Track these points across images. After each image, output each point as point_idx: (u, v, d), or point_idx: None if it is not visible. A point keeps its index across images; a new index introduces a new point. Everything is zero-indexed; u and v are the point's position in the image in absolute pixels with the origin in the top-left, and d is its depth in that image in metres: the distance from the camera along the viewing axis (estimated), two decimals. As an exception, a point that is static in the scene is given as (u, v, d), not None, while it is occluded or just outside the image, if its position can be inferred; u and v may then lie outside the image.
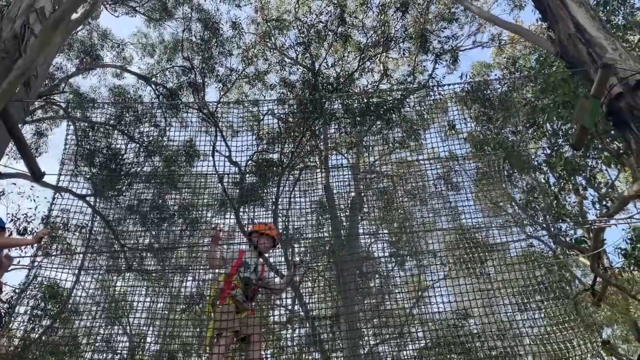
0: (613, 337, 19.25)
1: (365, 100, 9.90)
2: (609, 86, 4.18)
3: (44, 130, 13.73)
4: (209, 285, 6.75)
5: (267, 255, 6.27)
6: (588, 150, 8.25)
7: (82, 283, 8.24)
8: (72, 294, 8.65)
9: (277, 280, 6.60)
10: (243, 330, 5.31)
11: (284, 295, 9.53)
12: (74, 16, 10.89)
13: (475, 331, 7.19)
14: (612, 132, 7.06)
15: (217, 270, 6.08)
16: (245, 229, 8.02)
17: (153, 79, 14.16)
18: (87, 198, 10.15)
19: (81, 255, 8.08)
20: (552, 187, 8.94)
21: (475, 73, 16.57)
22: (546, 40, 5.40)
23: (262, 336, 5.64)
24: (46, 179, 8.29)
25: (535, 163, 9.08)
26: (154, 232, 11.75)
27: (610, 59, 4.06)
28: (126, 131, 12.27)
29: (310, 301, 10.72)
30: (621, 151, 7.46)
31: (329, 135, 10.96)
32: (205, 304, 6.25)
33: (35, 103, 12.28)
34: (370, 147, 11.54)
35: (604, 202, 9.08)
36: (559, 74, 7.05)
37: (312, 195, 9.94)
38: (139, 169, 11.19)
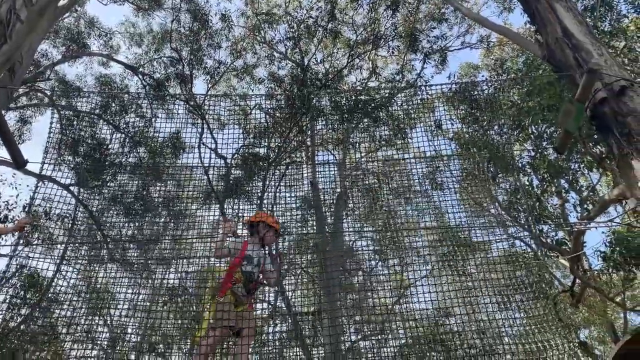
0: (590, 338, 19.59)
1: (354, 98, 9.91)
2: (594, 91, 4.25)
3: (28, 118, 13.52)
4: (208, 277, 6.75)
5: (269, 248, 6.23)
6: (571, 154, 8.35)
7: (64, 273, 8.16)
8: (53, 283, 8.56)
9: (274, 274, 6.57)
10: (238, 323, 5.29)
11: (267, 290, 9.51)
12: (61, 2, 10.74)
13: (456, 329, 7.26)
14: (595, 136, 7.16)
15: (215, 261, 6.07)
16: (242, 219, 7.98)
17: (140, 69, 14.02)
18: (71, 187, 10.04)
19: (63, 245, 8.00)
20: (535, 189, 9.05)
21: (463, 74, 16.68)
22: (534, 43, 5.47)
23: (255, 331, 5.63)
24: (29, 167, 8.20)
25: (520, 165, 9.19)
26: (137, 224, 11.67)
27: (595, 64, 4.12)
28: (112, 121, 12.14)
29: (293, 296, 10.74)
30: (603, 156, 7.57)
31: (316, 132, 10.96)
32: (204, 296, 6.20)
33: (20, 90, 12.11)
34: (357, 145, 11.57)
35: (585, 205, 9.22)
36: (545, 77, 7.13)
37: (298, 190, 9.94)
38: (123, 159, 11.08)
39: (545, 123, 8.06)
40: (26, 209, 6.93)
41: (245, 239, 5.98)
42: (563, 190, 9.56)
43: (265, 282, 5.97)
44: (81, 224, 9.21)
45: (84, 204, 9.47)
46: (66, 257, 7.51)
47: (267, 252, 6.02)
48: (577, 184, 8.70)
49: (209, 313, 5.39)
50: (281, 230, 6.64)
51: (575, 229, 8.11)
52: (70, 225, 8.44)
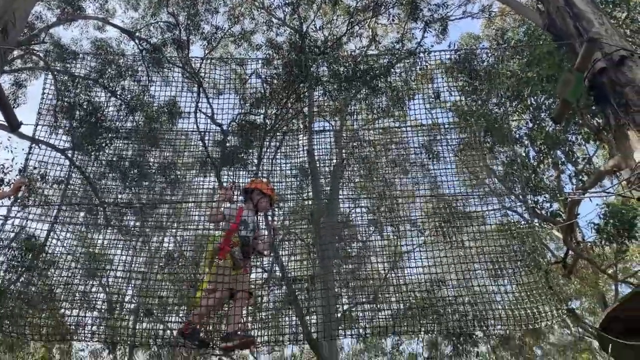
0: (581, 309, 19.92)
1: (352, 66, 9.80)
2: (593, 61, 4.20)
3: (22, 81, 13.39)
4: (205, 241, 6.81)
5: (263, 214, 6.33)
6: (569, 125, 8.31)
7: (59, 235, 8.20)
8: (50, 245, 8.58)
9: (265, 240, 6.66)
10: (233, 287, 5.41)
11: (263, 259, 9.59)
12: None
13: (449, 298, 7.35)
14: (593, 108, 7.11)
15: (212, 225, 6.16)
16: (240, 186, 8.03)
17: (137, 34, 13.80)
18: (66, 152, 10.00)
19: (58, 207, 8.01)
20: (532, 161, 9.02)
21: (463, 44, 16.46)
22: (535, 12, 5.38)
23: (249, 294, 5.76)
24: (24, 130, 8.14)
25: (517, 136, 9.14)
26: (134, 189, 11.67)
27: (596, 33, 4.07)
28: (108, 85, 12.02)
29: (288, 263, 10.83)
30: (600, 127, 7.54)
31: (314, 100, 10.87)
32: (203, 259, 6.30)
33: (14, 52, 11.94)
34: (355, 114, 11.49)
35: (581, 177, 9.22)
36: (545, 47, 7.03)
37: (295, 159, 9.93)
38: (119, 124, 11.02)
39: (544, 94, 7.99)
40: (21, 172, 6.90)
41: (241, 205, 6.06)
42: (559, 162, 9.55)
43: (256, 246, 6.07)
44: (77, 188, 9.21)
45: (80, 167, 9.44)
46: (61, 219, 7.51)
47: (261, 218, 6.10)
48: (573, 156, 8.69)
49: (208, 275, 5.50)
50: (276, 197, 6.70)
51: (570, 199, 8.13)
52: (64, 188, 8.41)
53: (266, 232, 6.09)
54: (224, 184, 7.96)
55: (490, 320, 5.43)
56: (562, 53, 6.39)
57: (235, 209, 5.91)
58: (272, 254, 7.24)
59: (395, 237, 10.72)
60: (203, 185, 10.85)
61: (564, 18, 4.66)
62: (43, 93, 7.02)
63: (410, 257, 9.43)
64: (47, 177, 7.64)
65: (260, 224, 6.15)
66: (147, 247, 10.06)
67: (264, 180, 6.92)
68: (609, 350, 3.94)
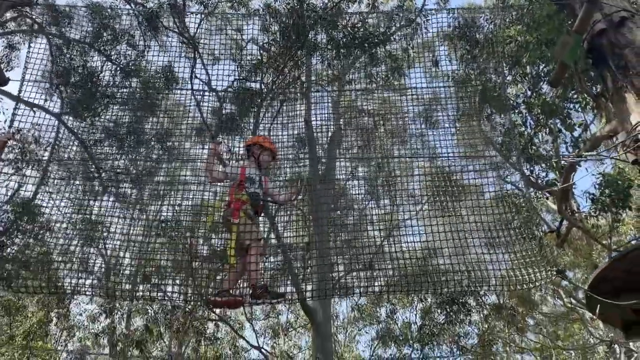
0: (575, 280, 20.14)
1: (350, 32, 9.66)
2: (593, 22, 4.13)
3: (16, 44, 13.21)
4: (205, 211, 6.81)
5: (266, 167, 6.38)
6: (566, 92, 8.23)
7: (54, 199, 8.19)
8: (46, 209, 8.55)
9: (280, 190, 6.73)
10: (246, 242, 5.49)
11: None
12: None
13: (444, 265, 7.39)
14: (591, 72, 7.02)
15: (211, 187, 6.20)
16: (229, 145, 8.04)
17: (132, -2, 13.57)
18: (61, 116, 9.93)
19: (53, 171, 7.97)
20: (528, 130, 8.97)
21: (464, 13, 16.17)
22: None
23: (263, 248, 5.88)
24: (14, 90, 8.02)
25: (514, 104, 9.05)
26: (130, 156, 11.62)
27: None
28: (103, 50, 11.85)
29: (285, 231, 10.91)
30: (598, 93, 7.46)
31: (312, 67, 10.74)
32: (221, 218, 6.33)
33: (7, 14, 11.73)
34: (353, 83, 11.38)
35: (577, 144, 9.18)
36: (544, 8, 6.88)
37: (292, 129, 9.85)
38: (115, 90, 10.90)
39: (543, 60, 7.87)
40: (7, 127, 6.81)
41: (243, 165, 6.10)
42: (556, 130, 9.49)
43: (273, 199, 6.16)
44: (71, 152, 9.16)
45: (74, 132, 9.40)
46: (56, 182, 7.50)
47: (262, 173, 6.16)
48: (571, 123, 8.62)
49: (232, 241, 5.51)
50: (276, 149, 6.73)
51: (566, 164, 8.12)
52: (54, 147, 8.30)
53: (273, 184, 6.19)
54: (214, 140, 7.96)
55: (483, 284, 5.49)
56: (561, 17, 6.29)
57: (238, 168, 5.95)
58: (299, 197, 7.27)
59: (391, 206, 10.75)
60: (200, 152, 10.84)
61: (565, -22, 4.58)
62: (28, 51, 6.89)
63: (406, 226, 9.48)
64: (40, 140, 7.61)
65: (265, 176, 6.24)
66: (144, 215, 10.10)
67: (266, 136, 6.96)
68: (597, 311, 4.01)
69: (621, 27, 4.05)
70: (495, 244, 6.82)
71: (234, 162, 6.40)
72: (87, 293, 6.64)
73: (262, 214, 6.79)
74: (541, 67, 8.54)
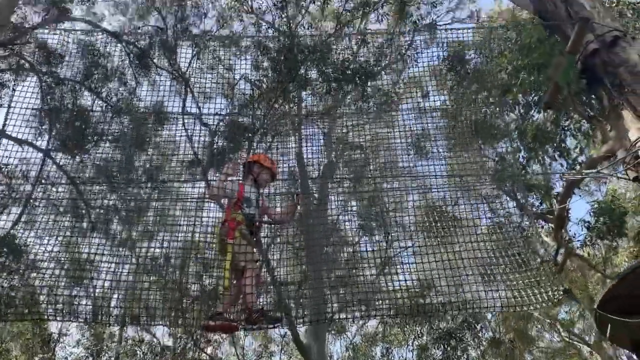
0: (571, 312, 19.93)
1: (341, 67, 9.76)
2: (585, 43, 4.18)
3: (6, 82, 13.21)
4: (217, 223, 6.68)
5: (265, 189, 6.26)
6: (560, 116, 8.29)
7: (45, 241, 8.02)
8: (33, 250, 8.38)
9: (277, 209, 6.60)
10: (240, 263, 5.34)
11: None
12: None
13: (441, 301, 7.23)
14: (585, 93, 7.08)
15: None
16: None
17: (124, 37, 13.69)
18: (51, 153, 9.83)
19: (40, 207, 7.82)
20: (522, 158, 9.00)
21: (451, 51, 16.52)
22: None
23: (259, 270, 5.72)
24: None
25: (507, 131, 9.06)
26: (120, 193, 11.47)
27: (588, 13, 4.05)
28: (94, 88, 11.88)
29: (278, 267, 10.67)
30: (590, 116, 7.51)
31: (303, 101, 10.81)
32: (215, 242, 6.19)
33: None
34: (344, 116, 11.42)
35: (575, 167, 9.17)
36: (535, 32, 6.99)
37: (284, 162, 9.80)
38: (106, 127, 10.86)
39: (534, 88, 7.94)
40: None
41: (240, 182, 5.99)
42: (551, 158, 9.50)
43: (271, 219, 6.03)
44: (60, 190, 9.04)
45: (64, 169, 9.29)
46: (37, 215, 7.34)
47: (261, 193, 6.05)
48: (565, 145, 8.65)
49: (227, 262, 5.36)
50: (277, 169, 6.62)
51: (565, 181, 8.09)
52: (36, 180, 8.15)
53: (271, 204, 6.07)
54: (232, 160, 7.88)
55: (488, 305, 5.34)
56: (552, 41, 6.40)
57: (236, 184, 5.84)
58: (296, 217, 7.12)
59: (385, 241, 10.61)
60: (190, 190, 10.73)
61: (554, 2, 4.64)
62: (13, 90, 6.87)
63: (400, 262, 9.33)
64: (28, 175, 7.49)
65: (263, 196, 6.11)
66: (134, 254, 9.89)
67: (268, 155, 6.87)
68: (608, 330, 3.91)
69: (614, 47, 4.10)
70: (498, 268, 6.68)
71: (233, 177, 6.28)
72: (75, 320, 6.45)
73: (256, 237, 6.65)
74: (532, 97, 8.61)
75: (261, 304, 5.71)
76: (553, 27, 4.74)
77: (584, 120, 8.13)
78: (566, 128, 8.63)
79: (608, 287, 4.00)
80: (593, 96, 4.71)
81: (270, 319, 5.44)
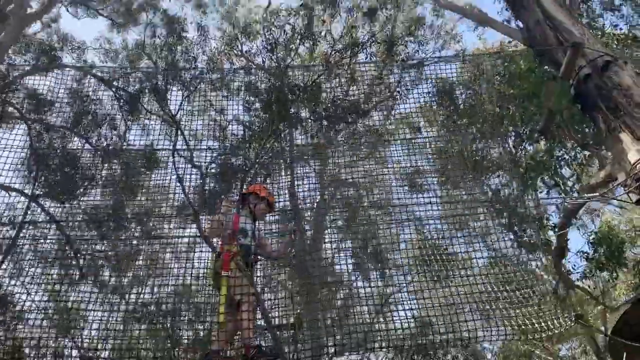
0: (572, 349, 19.56)
1: (332, 106, 9.82)
2: (578, 68, 4.19)
3: (-7, 129, 13.12)
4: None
5: (261, 220, 6.14)
6: (554, 145, 8.28)
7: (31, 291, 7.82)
8: (19, 301, 8.14)
9: (274, 246, 6.43)
10: (237, 297, 5.16)
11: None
12: (30, 10, 10.46)
13: (439, 341, 7.02)
14: (580, 119, 7.10)
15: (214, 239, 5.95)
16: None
17: (114, 82, 13.77)
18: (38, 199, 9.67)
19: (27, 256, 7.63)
20: (515, 190, 8.93)
21: (439, 87, 16.76)
22: (514, 29, 5.43)
23: (256, 303, 5.52)
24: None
25: (500, 164, 9.06)
26: (110, 240, 11.24)
27: (578, 39, 4.07)
28: (83, 134, 11.82)
29: (272, 309, 10.40)
30: (585, 142, 7.51)
31: (294, 140, 10.80)
32: (208, 276, 6.02)
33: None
34: (336, 154, 11.41)
35: (571, 194, 9.13)
36: (525, 62, 7.06)
37: (277, 200, 9.68)
38: (95, 172, 10.77)
39: (524, 120, 7.95)
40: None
41: (235, 212, 5.86)
42: (547, 188, 9.47)
43: (265, 255, 5.88)
44: (47, 237, 8.85)
45: (53, 216, 9.12)
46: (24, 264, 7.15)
47: (257, 225, 5.93)
48: (561, 172, 8.62)
49: (222, 296, 5.18)
50: (274, 200, 6.50)
51: (566, 203, 8.03)
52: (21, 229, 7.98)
53: (270, 238, 5.94)
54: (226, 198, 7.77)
55: (499, 334, 5.16)
56: (541, 70, 6.46)
57: (231, 216, 5.71)
58: (290, 254, 6.98)
59: (382, 280, 10.41)
60: (182, 233, 10.55)
61: (543, 31, 4.69)
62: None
63: (397, 302, 9.12)
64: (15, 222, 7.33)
65: (261, 231, 5.99)
66: (124, 302, 9.62)
67: (266, 186, 6.78)
68: (624, 358, 3.76)
69: (606, 71, 4.11)
70: (493, 317, 6.52)
71: (228, 209, 6.15)
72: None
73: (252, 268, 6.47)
74: (523, 130, 8.64)
75: (258, 339, 5.49)
76: (544, 56, 4.78)
77: (579, 148, 8.17)
78: (560, 158, 8.64)
79: (620, 312, 3.87)
80: (588, 118, 4.73)
81: (268, 355, 5.22)
